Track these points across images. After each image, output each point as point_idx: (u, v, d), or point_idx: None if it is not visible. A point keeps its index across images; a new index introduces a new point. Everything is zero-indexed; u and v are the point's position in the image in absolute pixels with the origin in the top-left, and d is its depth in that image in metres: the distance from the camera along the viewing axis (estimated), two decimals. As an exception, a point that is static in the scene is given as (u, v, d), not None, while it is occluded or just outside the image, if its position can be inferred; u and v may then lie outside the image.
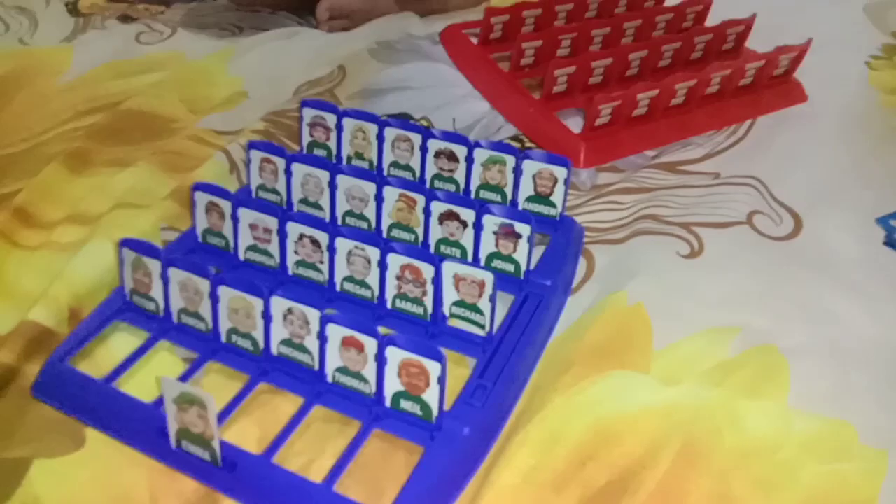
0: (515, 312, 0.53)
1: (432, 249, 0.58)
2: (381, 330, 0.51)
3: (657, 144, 0.74)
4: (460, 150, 0.62)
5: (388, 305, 0.53)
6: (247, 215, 0.55)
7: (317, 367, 0.47)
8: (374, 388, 0.46)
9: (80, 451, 0.46)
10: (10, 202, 0.64)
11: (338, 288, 0.54)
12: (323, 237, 0.53)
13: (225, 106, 0.81)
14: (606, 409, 0.49)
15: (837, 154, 0.73)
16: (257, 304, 0.47)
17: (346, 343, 0.45)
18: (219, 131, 0.76)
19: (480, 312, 0.51)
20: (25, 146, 0.74)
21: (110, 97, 0.82)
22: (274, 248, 0.55)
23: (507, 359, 0.50)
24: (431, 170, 0.64)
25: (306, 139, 0.68)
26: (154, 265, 0.50)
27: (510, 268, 0.56)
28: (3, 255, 0.60)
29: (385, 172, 0.66)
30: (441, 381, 0.43)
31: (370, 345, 0.44)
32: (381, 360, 0.44)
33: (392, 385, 0.45)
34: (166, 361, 0.52)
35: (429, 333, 0.52)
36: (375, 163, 0.66)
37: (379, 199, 0.58)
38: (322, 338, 0.46)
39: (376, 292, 0.53)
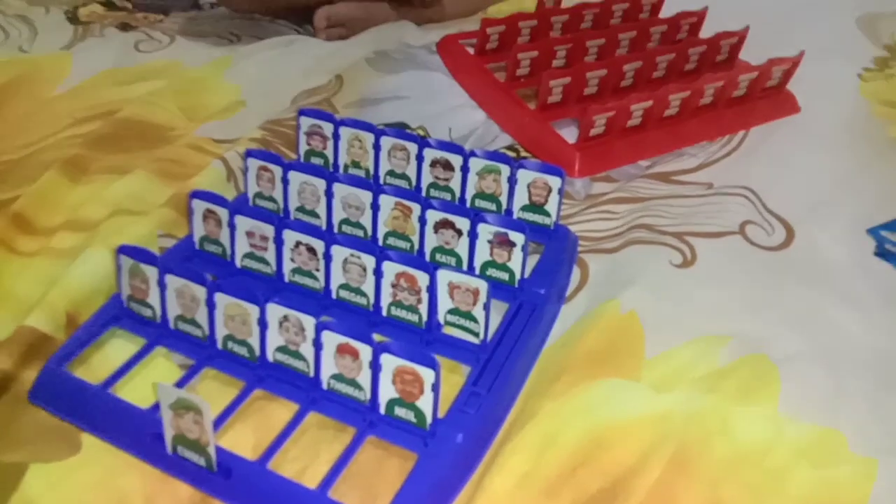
0: (509, 320, 0.54)
1: (427, 257, 0.58)
2: (377, 337, 0.52)
3: (651, 154, 0.75)
4: (456, 160, 0.63)
5: (384, 313, 0.53)
6: (243, 223, 0.55)
7: (312, 373, 0.48)
8: (368, 395, 0.46)
9: (77, 457, 0.46)
10: (8, 209, 0.65)
11: (333, 295, 0.54)
12: (319, 245, 0.53)
13: (223, 114, 0.82)
14: (599, 416, 0.49)
15: (829, 165, 0.74)
16: (253, 311, 0.48)
17: (341, 350, 0.45)
18: (216, 140, 0.77)
19: (475, 320, 0.51)
20: (24, 153, 0.74)
21: (109, 105, 0.83)
22: (270, 255, 0.56)
23: (500, 366, 0.50)
24: (427, 179, 0.65)
25: (303, 148, 0.69)
26: (151, 272, 0.51)
27: (504, 276, 0.56)
28: (1, 261, 0.60)
29: (381, 181, 0.66)
30: (435, 388, 0.43)
31: (365, 352, 0.45)
32: (375, 368, 0.45)
33: (386, 392, 0.45)
34: (163, 368, 0.52)
35: (423, 341, 0.52)
36: (372, 171, 0.66)
37: (375, 207, 0.58)
38: (317, 345, 0.46)
39: (372, 300, 0.53)
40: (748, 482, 0.46)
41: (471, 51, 0.87)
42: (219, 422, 0.47)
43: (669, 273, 0.60)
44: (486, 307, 0.50)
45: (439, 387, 0.44)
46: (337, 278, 0.54)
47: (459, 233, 0.56)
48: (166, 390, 0.43)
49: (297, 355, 0.48)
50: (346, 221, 0.60)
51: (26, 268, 0.60)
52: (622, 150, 0.74)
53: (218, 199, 0.56)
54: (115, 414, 0.47)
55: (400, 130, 0.66)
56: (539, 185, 0.61)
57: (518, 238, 0.54)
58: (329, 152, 0.68)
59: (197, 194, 0.57)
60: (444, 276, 0.51)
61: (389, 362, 0.44)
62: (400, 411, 0.45)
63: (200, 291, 0.49)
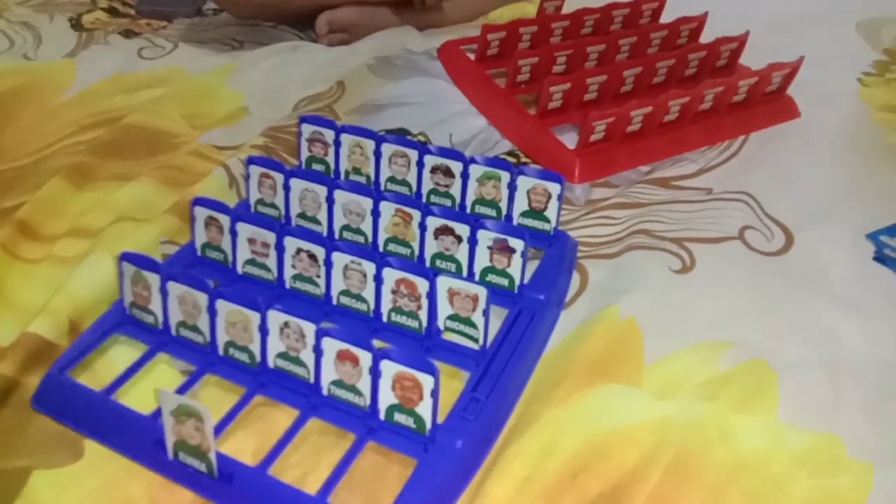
0: (509, 326, 0.54)
1: (428, 263, 0.58)
2: (377, 343, 0.52)
3: (651, 160, 0.75)
4: (456, 166, 0.63)
5: (384, 319, 0.54)
6: (245, 230, 0.56)
7: (312, 380, 0.48)
8: (368, 401, 0.46)
9: (79, 463, 0.47)
10: (12, 216, 0.65)
11: (334, 301, 0.55)
12: (320, 251, 0.54)
13: (226, 121, 0.82)
14: (598, 422, 0.49)
15: (829, 170, 0.74)
16: (254, 317, 0.48)
17: (341, 356, 0.46)
18: (219, 146, 0.77)
19: (474, 326, 0.51)
20: (29, 160, 0.75)
21: (113, 112, 0.83)
22: (272, 262, 0.56)
23: (500, 372, 0.50)
24: (428, 185, 0.65)
25: (305, 154, 0.69)
26: (153, 279, 0.51)
27: (504, 282, 0.57)
28: (6, 267, 0.61)
29: (382, 187, 0.67)
30: (434, 394, 0.44)
31: (365, 358, 0.45)
32: (375, 374, 0.45)
33: (386, 398, 0.45)
34: (165, 374, 0.52)
35: (423, 347, 0.52)
36: (373, 178, 0.67)
37: (375, 213, 0.59)
38: (317, 351, 0.46)
39: (372, 306, 0.54)
40: (748, 489, 0.46)
41: (472, 57, 0.87)
42: (220, 427, 0.47)
43: (669, 279, 0.60)
44: (486, 313, 0.51)
45: (439, 393, 0.44)
46: (338, 285, 0.54)
47: (459, 239, 0.56)
48: (168, 396, 0.43)
49: (298, 361, 0.48)
50: (346, 228, 0.61)
51: (30, 274, 0.60)
52: (622, 155, 0.74)
53: (219, 206, 0.57)
54: (118, 420, 0.48)
55: (400, 137, 0.66)
56: (539, 191, 0.61)
57: (518, 244, 0.55)
58: (330, 159, 0.68)
59: (199, 201, 0.57)
60: (443, 283, 0.51)
61: (389, 368, 0.44)
62: (400, 417, 0.46)
63: (202, 298, 0.49)
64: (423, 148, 0.64)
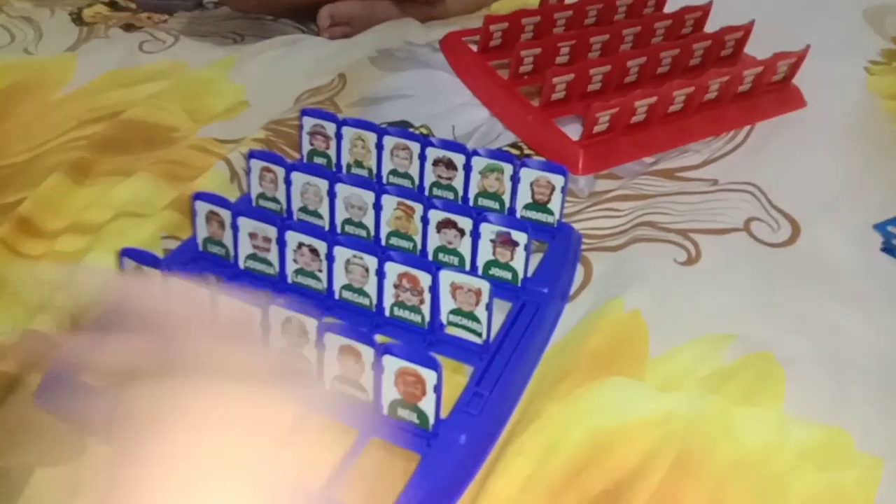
0: (512, 320, 0.54)
1: (430, 257, 0.58)
2: (380, 338, 0.52)
3: (655, 151, 0.74)
4: (458, 159, 0.63)
5: (386, 313, 0.53)
6: (246, 224, 0.55)
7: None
8: (371, 397, 0.46)
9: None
10: (13, 212, 0.65)
11: (336, 296, 0.54)
12: (321, 246, 0.53)
13: (226, 115, 0.82)
14: (602, 417, 0.49)
15: (836, 160, 0.73)
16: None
17: (344, 352, 0.45)
18: (220, 140, 0.77)
19: (477, 321, 0.51)
20: (29, 156, 0.75)
21: (113, 107, 0.83)
22: (273, 256, 0.56)
23: (503, 367, 0.50)
24: (430, 178, 0.64)
25: (306, 148, 0.69)
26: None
27: (508, 275, 0.56)
28: (6, 264, 0.60)
29: (384, 180, 0.66)
30: (437, 389, 0.43)
31: (367, 353, 0.45)
32: (377, 369, 0.45)
33: (389, 393, 0.45)
34: (167, 370, 0.52)
35: (426, 341, 0.52)
36: (375, 171, 0.66)
37: (377, 207, 0.58)
38: (320, 346, 0.46)
39: (374, 300, 0.53)
40: (752, 484, 0.46)
41: (474, 48, 0.87)
42: (222, 424, 0.47)
43: (674, 271, 0.59)
44: (489, 307, 0.50)
45: (441, 388, 0.43)
46: (339, 279, 0.54)
47: (462, 232, 0.56)
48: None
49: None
50: (348, 221, 0.60)
51: (31, 270, 0.60)
52: (626, 146, 0.73)
53: (220, 201, 0.56)
54: (120, 417, 0.47)
55: (402, 130, 0.65)
56: (542, 183, 0.60)
57: (521, 237, 0.54)
58: (332, 152, 0.68)
59: (199, 196, 0.57)
60: (446, 277, 0.50)
61: (391, 364, 0.44)
62: (403, 412, 0.45)
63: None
64: (424, 140, 0.64)
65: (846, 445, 0.48)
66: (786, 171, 0.71)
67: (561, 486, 0.45)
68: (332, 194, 0.59)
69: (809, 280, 0.60)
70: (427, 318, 0.52)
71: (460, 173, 0.63)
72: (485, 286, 0.49)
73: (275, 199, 0.63)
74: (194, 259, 0.59)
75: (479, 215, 0.55)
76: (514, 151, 0.75)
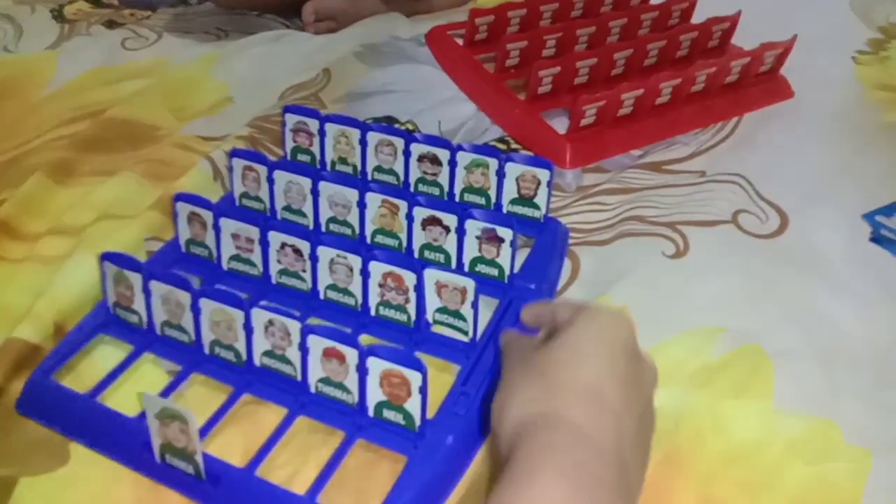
0: (499, 317, 0.53)
1: (416, 254, 0.58)
2: (366, 338, 0.52)
3: (643, 144, 0.74)
4: (443, 154, 0.62)
5: (372, 313, 0.53)
6: (229, 225, 0.55)
7: (300, 377, 0.47)
8: (356, 399, 0.46)
9: (65, 468, 0.46)
10: (-6, 214, 0.64)
11: (321, 296, 0.54)
12: (305, 246, 0.53)
13: (210, 111, 0.81)
14: (591, 413, 0.48)
15: (823, 150, 0.73)
16: (238, 316, 0.47)
17: (328, 354, 0.45)
18: (204, 137, 0.76)
19: (463, 319, 0.51)
20: (9, 156, 0.73)
21: (95, 105, 0.82)
22: (257, 257, 0.55)
23: (490, 365, 0.49)
24: (415, 174, 0.64)
25: (290, 145, 0.68)
26: (136, 278, 0.50)
27: (494, 272, 0.56)
28: (-12, 268, 0.60)
29: (369, 177, 0.66)
30: (423, 390, 0.43)
31: (351, 355, 0.44)
32: (362, 371, 0.44)
33: (374, 395, 0.45)
34: (151, 374, 0.51)
35: (413, 340, 0.51)
36: (359, 167, 0.66)
37: (361, 205, 0.58)
38: (303, 349, 0.46)
39: (360, 300, 0.53)
40: (742, 478, 0.46)
41: (460, 42, 0.86)
42: (207, 427, 0.46)
43: (662, 264, 0.59)
44: (475, 305, 0.50)
45: (427, 389, 0.43)
46: (324, 279, 0.53)
47: (447, 229, 0.55)
48: (151, 400, 0.42)
49: (284, 359, 0.47)
50: (333, 220, 0.60)
51: (13, 275, 0.59)
52: (614, 139, 0.73)
53: (202, 202, 0.56)
54: (104, 423, 0.47)
55: (386, 126, 0.65)
56: (528, 178, 0.60)
57: (506, 233, 0.54)
58: (316, 149, 0.67)
59: (181, 197, 0.56)
60: (431, 276, 0.50)
61: (376, 365, 0.44)
62: (389, 414, 0.45)
63: (185, 297, 0.49)
64: (409, 136, 0.63)
65: (835, 438, 0.48)
66: (773, 162, 0.71)
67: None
68: (315, 193, 0.59)
69: (798, 271, 0.60)
70: (413, 317, 0.52)
71: (445, 169, 0.62)
72: (470, 284, 0.49)
73: (258, 199, 0.62)
74: (178, 260, 0.58)
75: (464, 211, 0.55)
76: (502, 146, 0.74)
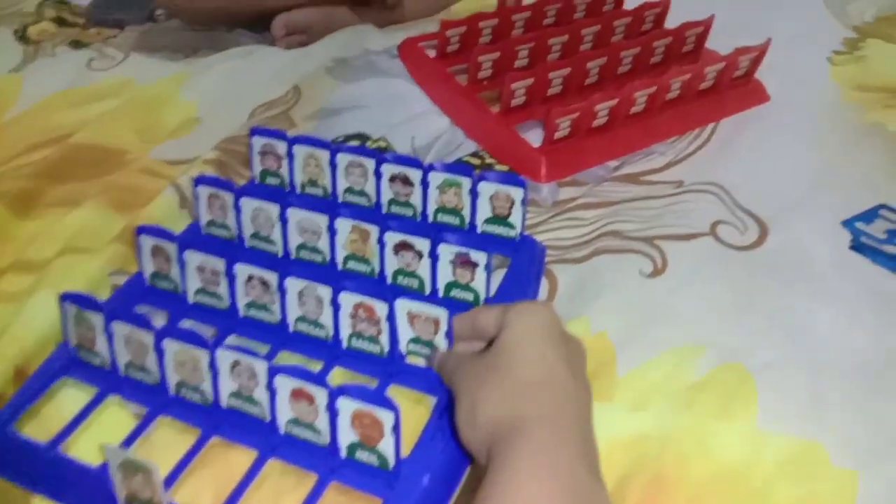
0: (476, 344, 0.52)
1: (389, 280, 0.56)
2: (339, 371, 0.50)
3: (619, 154, 0.72)
4: (415, 174, 0.60)
5: (344, 345, 0.51)
6: (193, 258, 0.53)
7: (269, 418, 0.46)
8: (328, 440, 0.44)
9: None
10: (-47, 249, 0.62)
11: (291, 328, 0.52)
12: (272, 277, 0.51)
13: (178, 133, 0.79)
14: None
15: (800, 155, 0.72)
16: (203, 356, 0.46)
17: (296, 395, 0.43)
18: (171, 161, 0.74)
19: (437, 349, 0.49)
20: (-30, 188, 0.71)
21: (60, 129, 0.80)
22: (223, 290, 0.53)
23: (467, 396, 0.48)
24: (387, 194, 0.62)
25: (258, 168, 0.66)
26: (97, 319, 0.48)
27: (469, 297, 0.54)
28: (-54, 308, 0.58)
29: (340, 199, 0.64)
30: (395, 430, 0.41)
31: (320, 396, 0.43)
32: (332, 412, 0.43)
33: (346, 436, 0.43)
34: (117, 417, 0.50)
35: (387, 372, 0.50)
36: (330, 189, 0.64)
37: (332, 231, 0.56)
38: (271, 390, 0.44)
39: (331, 332, 0.51)
40: (729, 503, 0.44)
41: (433, 54, 0.84)
42: (175, 473, 0.45)
43: (640, 284, 0.58)
44: (449, 335, 0.48)
45: (400, 428, 0.42)
46: (293, 311, 0.52)
47: (420, 254, 0.54)
48: (113, 452, 0.40)
49: (252, 400, 0.46)
50: (303, 246, 0.58)
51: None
52: (589, 151, 0.72)
53: (165, 234, 0.54)
54: (66, 474, 0.45)
55: (356, 147, 0.63)
56: (501, 197, 0.59)
57: (480, 257, 0.52)
58: (284, 171, 0.65)
59: (143, 230, 0.55)
60: (402, 306, 0.49)
61: (346, 406, 0.42)
62: (362, 455, 0.43)
63: (148, 338, 0.47)
64: (379, 156, 0.61)
65: (822, 457, 0.47)
66: (751, 169, 0.70)
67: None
68: (283, 219, 0.57)
69: (779, 283, 0.59)
70: (386, 349, 0.50)
71: (418, 189, 0.61)
72: (443, 314, 0.48)
73: (225, 226, 0.60)
74: (143, 295, 0.56)
75: (437, 235, 0.53)
76: (476, 161, 0.73)
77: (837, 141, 0.74)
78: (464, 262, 0.53)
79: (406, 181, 0.61)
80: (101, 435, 0.48)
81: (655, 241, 0.62)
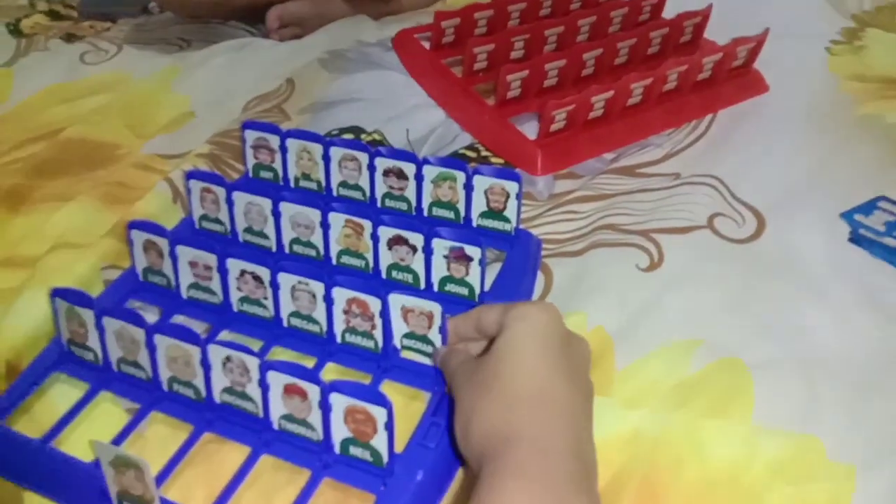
0: (470, 339, 0.51)
1: (384, 275, 0.56)
2: (332, 366, 0.50)
3: (616, 146, 0.72)
4: (409, 168, 0.60)
5: (338, 340, 0.51)
6: (185, 253, 0.53)
7: (262, 414, 0.45)
8: (321, 436, 0.44)
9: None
10: (-56, 246, 0.62)
11: (284, 324, 0.52)
12: (265, 273, 0.51)
13: (171, 127, 0.78)
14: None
15: (798, 146, 0.71)
16: (195, 352, 0.45)
17: (289, 391, 0.43)
18: (164, 156, 0.74)
19: (431, 344, 0.49)
20: (-39, 184, 0.71)
21: (53, 124, 0.79)
22: (216, 285, 0.53)
23: (461, 391, 0.48)
24: (382, 188, 0.62)
25: (251, 162, 0.66)
26: (88, 315, 0.48)
27: (464, 291, 0.54)
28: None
29: (334, 192, 0.64)
30: (388, 426, 0.41)
31: (313, 392, 0.42)
32: (325, 407, 0.42)
33: (339, 432, 0.43)
34: (109, 413, 0.49)
35: (381, 367, 0.50)
36: (324, 183, 0.64)
37: (325, 225, 0.56)
38: (264, 385, 0.44)
39: (324, 327, 0.51)
40: (723, 502, 0.44)
41: (427, 45, 0.84)
42: (167, 469, 0.44)
43: (636, 278, 0.57)
44: (443, 330, 0.48)
45: (393, 424, 0.41)
46: (286, 306, 0.51)
47: (414, 249, 0.54)
48: (104, 448, 0.40)
49: (245, 396, 0.45)
50: (296, 241, 0.58)
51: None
52: (585, 143, 0.71)
53: (157, 229, 0.53)
54: (59, 470, 0.45)
55: (349, 140, 0.63)
56: (496, 191, 0.58)
57: (474, 252, 0.52)
58: (278, 165, 0.65)
59: (135, 225, 0.54)
60: (396, 301, 0.48)
61: (339, 402, 0.42)
62: (355, 451, 0.43)
63: (139, 334, 0.46)
64: (373, 150, 0.61)
65: (818, 455, 0.46)
66: (748, 161, 0.69)
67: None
68: (276, 213, 0.57)
69: (776, 277, 0.58)
70: (380, 344, 0.50)
71: (412, 183, 0.60)
72: (436, 309, 0.47)
73: (218, 221, 0.60)
74: (136, 290, 0.56)
75: (431, 229, 0.53)
76: (472, 154, 0.72)
77: (836, 132, 0.73)
78: (458, 257, 0.53)
79: (400, 175, 0.60)
80: (93, 431, 0.48)
81: (652, 234, 0.61)
